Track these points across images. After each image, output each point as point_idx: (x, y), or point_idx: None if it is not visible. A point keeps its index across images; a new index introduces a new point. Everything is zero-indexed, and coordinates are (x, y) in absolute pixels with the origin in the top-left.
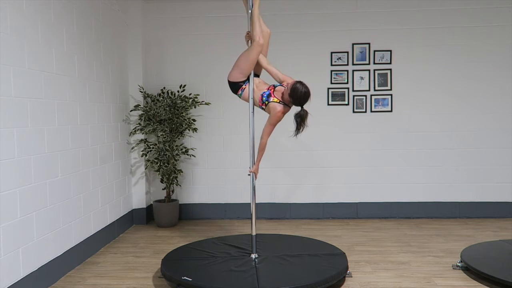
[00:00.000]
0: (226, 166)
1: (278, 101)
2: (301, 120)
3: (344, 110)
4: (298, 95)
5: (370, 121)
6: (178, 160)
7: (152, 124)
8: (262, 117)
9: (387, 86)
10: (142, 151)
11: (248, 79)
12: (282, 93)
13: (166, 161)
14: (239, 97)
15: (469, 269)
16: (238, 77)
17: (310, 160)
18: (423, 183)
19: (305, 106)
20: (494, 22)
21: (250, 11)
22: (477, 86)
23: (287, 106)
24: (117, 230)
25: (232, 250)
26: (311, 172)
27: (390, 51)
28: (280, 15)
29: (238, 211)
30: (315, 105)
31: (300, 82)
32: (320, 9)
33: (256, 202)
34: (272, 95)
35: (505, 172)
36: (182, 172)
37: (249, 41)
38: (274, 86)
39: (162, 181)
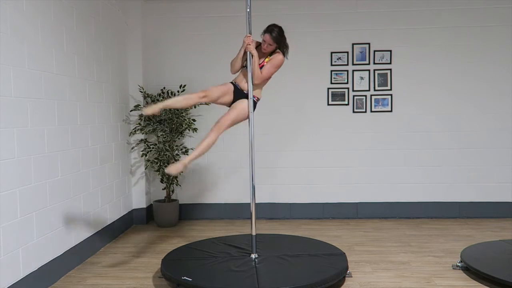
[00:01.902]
0: (226, 166)
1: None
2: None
3: (344, 110)
4: (282, 31)
5: (370, 121)
6: (178, 160)
7: (152, 124)
8: (262, 117)
9: (387, 86)
10: (142, 151)
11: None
12: (264, 49)
13: (166, 161)
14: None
15: (469, 269)
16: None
17: (310, 160)
18: (423, 183)
19: (307, 107)
20: (494, 22)
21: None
22: (477, 86)
23: None
24: (117, 230)
25: (232, 250)
26: (311, 172)
27: (390, 51)
28: (280, 15)
29: (238, 211)
30: (315, 105)
31: (273, 25)
32: (320, 9)
33: (256, 202)
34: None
35: (505, 172)
36: (182, 172)
37: (247, 43)
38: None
39: (162, 181)
